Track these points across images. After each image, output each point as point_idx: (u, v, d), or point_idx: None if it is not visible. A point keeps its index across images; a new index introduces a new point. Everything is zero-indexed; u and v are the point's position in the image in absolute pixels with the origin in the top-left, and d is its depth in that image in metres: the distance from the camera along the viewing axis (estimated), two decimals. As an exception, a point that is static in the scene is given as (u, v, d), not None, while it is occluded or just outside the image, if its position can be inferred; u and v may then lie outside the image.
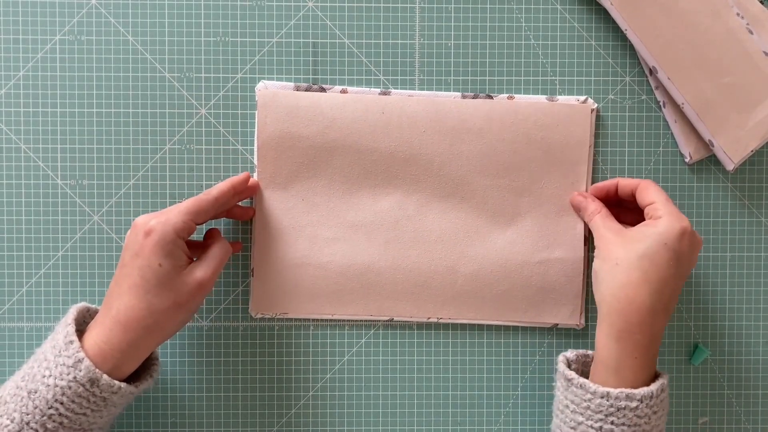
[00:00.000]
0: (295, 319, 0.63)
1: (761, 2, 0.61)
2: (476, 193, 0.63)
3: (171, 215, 0.54)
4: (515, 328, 0.63)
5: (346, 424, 0.63)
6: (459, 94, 0.62)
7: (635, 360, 0.54)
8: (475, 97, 0.62)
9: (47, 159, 0.62)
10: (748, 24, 0.60)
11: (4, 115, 0.62)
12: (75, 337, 0.52)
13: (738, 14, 0.60)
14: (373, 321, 0.63)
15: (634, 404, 0.53)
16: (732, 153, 0.61)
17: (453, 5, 0.63)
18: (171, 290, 0.53)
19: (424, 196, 0.63)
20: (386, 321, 0.63)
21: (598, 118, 0.63)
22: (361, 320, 0.63)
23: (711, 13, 0.60)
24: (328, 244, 0.62)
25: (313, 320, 0.63)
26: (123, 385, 0.52)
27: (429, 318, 0.63)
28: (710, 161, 0.64)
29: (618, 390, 0.53)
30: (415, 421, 0.63)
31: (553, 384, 0.59)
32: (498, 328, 0.63)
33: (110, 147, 0.62)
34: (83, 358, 0.51)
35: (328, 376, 0.63)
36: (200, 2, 0.62)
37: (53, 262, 0.62)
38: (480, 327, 0.63)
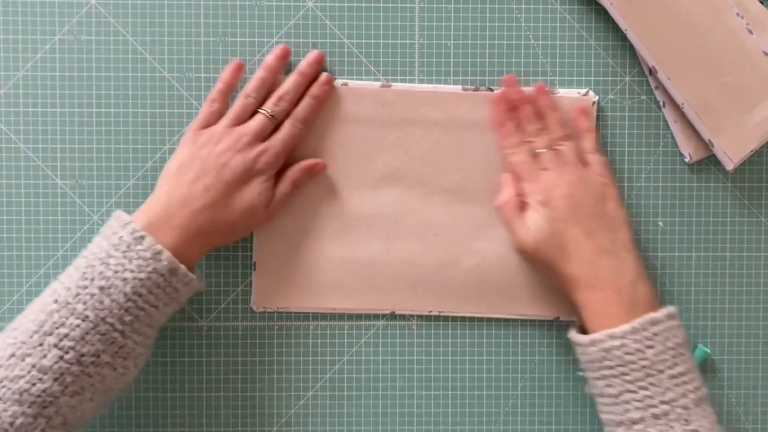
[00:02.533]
0: (296, 317, 0.63)
1: (761, 2, 0.61)
2: (478, 185, 0.62)
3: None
4: (516, 322, 0.63)
5: (346, 424, 0.63)
6: (460, 87, 0.62)
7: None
8: (476, 90, 0.62)
9: (47, 159, 0.62)
10: (748, 24, 0.60)
11: (4, 115, 0.62)
12: (145, 233, 0.53)
13: (738, 14, 0.60)
14: (374, 314, 0.63)
15: (616, 342, 0.53)
16: (732, 153, 0.61)
17: (453, 5, 0.63)
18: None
19: (425, 189, 0.63)
20: (387, 314, 0.63)
21: (599, 111, 0.63)
22: (362, 313, 0.63)
23: (711, 13, 0.60)
24: (330, 237, 0.62)
25: (314, 315, 0.63)
26: (194, 276, 0.55)
27: (430, 311, 0.63)
28: (710, 161, 0.63)
29: (598, 333, 0.54)
30: (415, 420, 0.63)
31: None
32: (499, 321, 0.63)
33: (110, 147, 0.62)
34: (162, 250, 0.53)
35: (328, 375, 0.63)
36: (200, 2, 0.62)
37: (53, 262, 0.62)
38: (481, 320, 0.63)
